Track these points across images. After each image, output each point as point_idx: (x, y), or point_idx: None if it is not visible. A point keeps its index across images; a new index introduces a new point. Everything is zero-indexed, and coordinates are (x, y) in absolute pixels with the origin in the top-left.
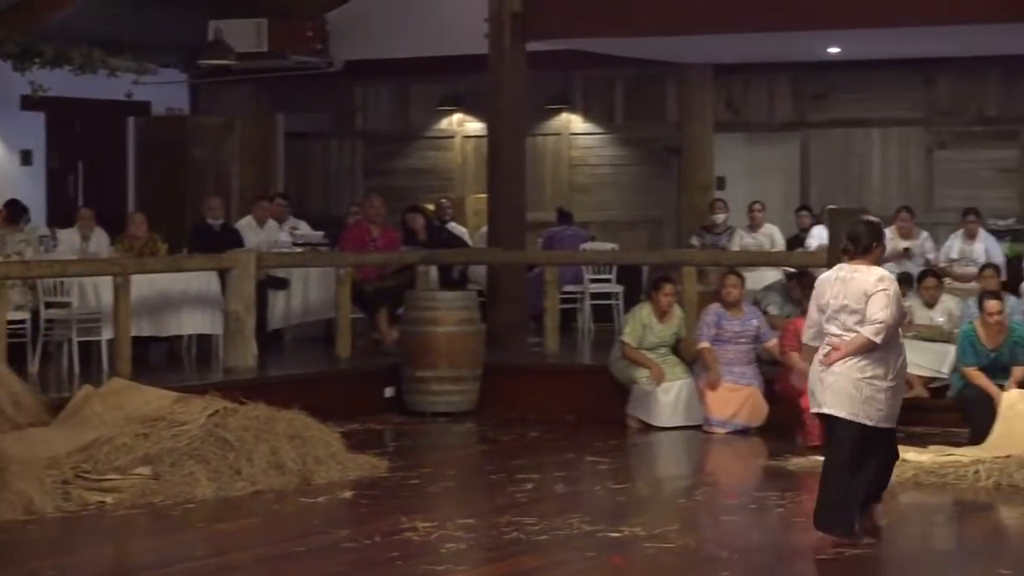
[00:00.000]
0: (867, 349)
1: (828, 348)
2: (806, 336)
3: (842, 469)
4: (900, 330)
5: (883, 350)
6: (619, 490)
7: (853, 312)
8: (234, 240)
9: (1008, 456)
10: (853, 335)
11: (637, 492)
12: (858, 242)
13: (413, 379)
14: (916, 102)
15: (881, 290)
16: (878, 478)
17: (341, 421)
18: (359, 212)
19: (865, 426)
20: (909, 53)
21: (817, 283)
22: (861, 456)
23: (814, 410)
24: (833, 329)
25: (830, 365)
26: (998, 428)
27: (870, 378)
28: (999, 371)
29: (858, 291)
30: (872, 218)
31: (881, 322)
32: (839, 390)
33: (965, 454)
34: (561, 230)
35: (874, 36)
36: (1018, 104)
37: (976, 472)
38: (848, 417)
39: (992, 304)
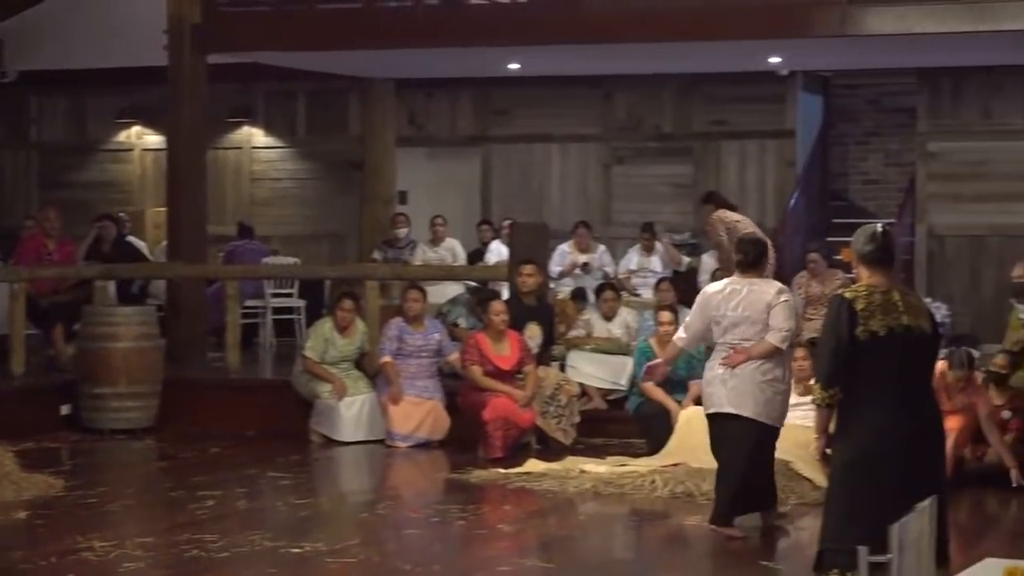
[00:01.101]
0: (771, 354)
1: (729, 351)
2: (683, 341)
3: (739, 466)
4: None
5: (781, 355)
6: (301, 505)
7: (754, 323)
8: None
9: (677, 464)
10: (756, 341)
11: (320, 507)
12: (747, 256)
13: (90, 396)
14: (594, 118)
15: (783, 301)
16: (765, 479)
17: (14, 440)
18: (35, 225)
19: (765, 425)
20: (588, 70)
21: (706, 295)
22: (758, 453)
23: (712, 411)
24: (731, 339)
25: (734, 367)
26: (673, 442)
27: (771, 380)
28: (676, 385)
29: (759, 303)
30: (758, 235)
31: (788, 330)
32: (743, 391)
33: (642, 464)
34: (242, 244)
35: (553, 53)
36: (691, 121)
37: (653, 482)
38: (751, 416)
39: (665, 315)
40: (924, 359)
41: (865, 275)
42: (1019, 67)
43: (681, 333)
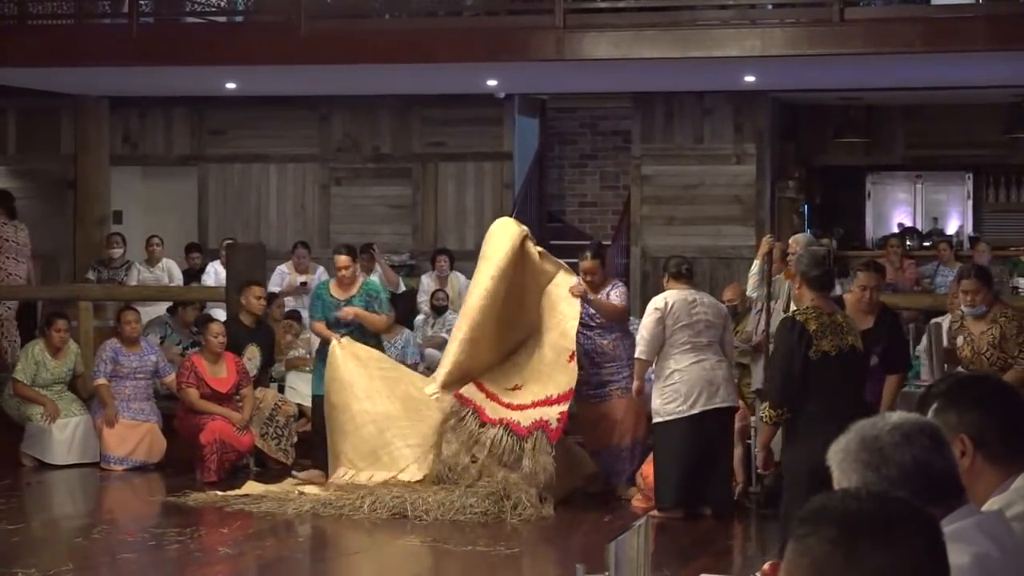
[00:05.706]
0: None
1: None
2: (648, 353)
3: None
4: None
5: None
6: (13, 531)
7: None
8: None
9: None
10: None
11: (32, 532)
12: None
13: None
14: (312, 139)
15: None
16: None
17: None
18: None
19: None
20: (305, 90)
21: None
22: None
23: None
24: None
25: None
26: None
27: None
28: None
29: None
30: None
31: None
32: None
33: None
34: None
35: (269, 73)
36: (410, 142)
37: (373, 502)
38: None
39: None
40: (861, 375)
41: (808, 297)
42: (728, 93)
43: (648, 346)
